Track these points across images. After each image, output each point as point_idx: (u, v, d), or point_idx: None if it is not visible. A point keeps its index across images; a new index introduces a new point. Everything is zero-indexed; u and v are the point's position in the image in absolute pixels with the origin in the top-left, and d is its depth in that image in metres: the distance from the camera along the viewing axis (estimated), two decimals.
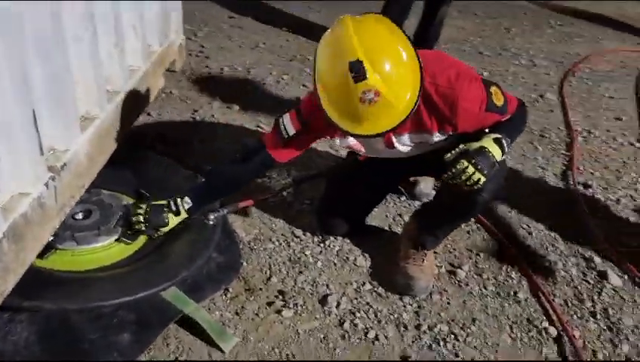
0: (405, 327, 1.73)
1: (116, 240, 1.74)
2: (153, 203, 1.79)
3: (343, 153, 2.63)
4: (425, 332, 1.71)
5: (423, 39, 3.71)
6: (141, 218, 1.75)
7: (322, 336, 1.68)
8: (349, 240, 2.06)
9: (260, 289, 1.83)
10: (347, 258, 1.99)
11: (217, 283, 1.78)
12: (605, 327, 1.77)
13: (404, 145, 1.75)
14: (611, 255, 2.08)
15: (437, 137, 1.70)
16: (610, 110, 3.52)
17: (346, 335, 1.68)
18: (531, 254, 2.09)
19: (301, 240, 2.06)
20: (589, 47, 4.57)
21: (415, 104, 1.48)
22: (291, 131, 1.73)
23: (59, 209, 1.51)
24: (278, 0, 4.85)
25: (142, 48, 2.14)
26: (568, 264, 2.03)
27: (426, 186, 2.31)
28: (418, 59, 1.48)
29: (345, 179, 2.06)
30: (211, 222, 1.85)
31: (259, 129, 2.82)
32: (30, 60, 1.38)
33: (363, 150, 1.83)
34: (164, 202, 1.78)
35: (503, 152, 1.61)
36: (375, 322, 1.74)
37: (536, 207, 2.36)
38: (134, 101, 2.06)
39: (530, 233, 2.20)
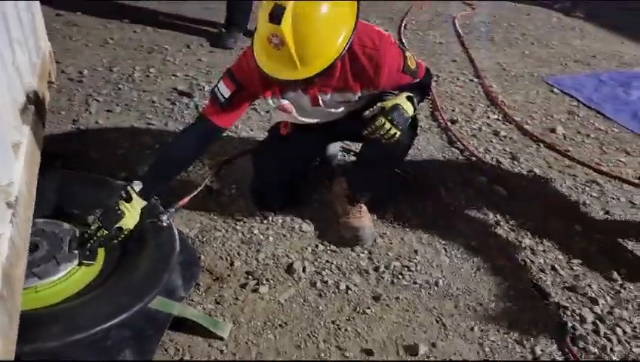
0: (367, 272, 1.95)
1: (78, 264, 1.66)
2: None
3: (249, 134, 2.73)
4: (383, 271, 1.96)
5: None
6: (96, 225, 1.68)
7: (302, 300, 1.83)
8: (287, 213, 2.20)
9: (228, 275, 1.90)
10: (293, 227, 2.14)
11: (188, 281, 1.80)
12: None
13: (329, 104, 1.94)
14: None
15: (358, 96, 1.90)
16: (445, 54, 4.08)
17: (322, 293, 1.85)
18: (436, 186, 2.44)
19: (245, 223, 2.15)
20: (405, 3, 5.13)
21: (318, 73, 1.61)
22: (227, 93, 1.81)
23: (24, 246, 1.42)
24: None
25: (29, 63, 1.97)
26: (467, 189, 2.43)
27: (334, 148, 2.53)
28: (352, 33, 1.62)
29: (272, 156, 2.18)
30: (165, 224, 1.85)
31: (150, 126, 2.76)
32: None
33: (294, 111, 1.97)
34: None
35: (415, 109, 1.85)
36: (340, 275, 1.94)
37: (426, 149, 2.73)
38: (38, 119, 1.91)
39: (428, 170, 2.56)
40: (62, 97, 2.96)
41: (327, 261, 1.99)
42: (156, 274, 1.64)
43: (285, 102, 1.93)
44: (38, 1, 2.47)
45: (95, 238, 1.67)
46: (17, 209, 1.41)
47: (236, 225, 2.13)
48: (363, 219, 2.10)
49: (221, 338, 1.66)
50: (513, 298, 1.87)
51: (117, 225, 1.69)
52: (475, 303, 1.85)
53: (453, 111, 3.16)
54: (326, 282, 1.90)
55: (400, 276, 1.94)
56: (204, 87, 3.16)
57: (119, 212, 1.69)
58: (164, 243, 1.76)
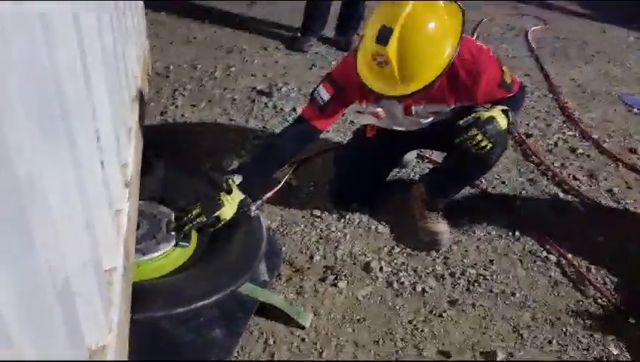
0: (442, 277, 1.98)
1: (174, 245, 1.77)
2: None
3: (326, 135, 2.80)
4: (459, 278, 1.98)
5: (346, 18, 3.94)
6: (197, 211, 1.77)
7: (379, 298, 1.88)
8: (363, 213, 2.26)
9: (308, 268, 1.97)
10: (369, 228, 2.19)
11: (270, 271, 1.88)
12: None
13: (420, 114, 1.98)
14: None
15: (450, 109, 1.94)
16: (518, 68, 4.03)
17: (399, 293, 1.90)
18: (511, 198, 2.44)
19: (322, 219, 2.22)
20: (475, 13, 5.10)
21: (419, 90, 1.69)
22: (326, 97, 1.89)
23: (134, 224, 1.53)
24: None
25: (135, 53, 2.11)
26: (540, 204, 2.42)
27: (411, 155, 2.57)
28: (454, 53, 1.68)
29: (355, 156, 2.24)
30: (253, 214, 1.94)
31: (232, 122, 2.88)
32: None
33: (383, 116, 2.04)
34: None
35: (509, 123, 1.85)
36: (417, 277, 1.97)
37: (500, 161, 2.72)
38: (142, 109, 2.04)
39: (503, 182, 2.56)
40: (151, 90, 3.12)
41: (403, 263, 2.03)
42: (247, 260, 1.73)
43: (379, 109, 2.00)
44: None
45: (193, 223, 1.77)
46: (132, 188, 1.52)
47: (315, 221, 2.20)
48: (441, 224, 2.13)
49: (302, 327, 1.73)
50: (593, 316, 1.85)
51: (216, 214, 1.78)
52: (553, 317, 1.84)
53: (528, 125, 3.14)
54: (402, 283, 1.94)
55: (476, 283, 1.96)
56: (281, 88, 3.26)
57: (220, 202, 1.79)
58: (254, 232, 1.85)
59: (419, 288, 1.92)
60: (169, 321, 1.56)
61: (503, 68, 1.91)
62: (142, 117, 2.00)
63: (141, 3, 2.65)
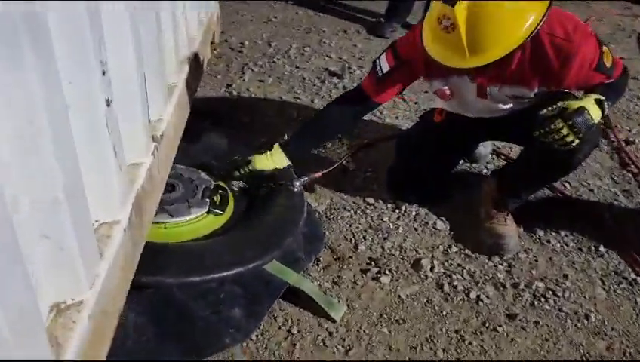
0: (503, 286, 1.72)
1: (206, 212, 1.65)
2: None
3: (394, 121, 2.60)
4: (523, 290, 1.71)
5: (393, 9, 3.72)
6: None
7: (425, 300, 1.65)
8: (421, 206, 2.03)
9: (350, 257, 1.79)
10: (426, 222, 1.97)
11: (308, 254, 1.72)
12: None
13: (496, 98, 1.72)
14: None
15: (533, 93, 1.67)
16: None
17: (449, 298, 1.66)
18: (599, 209, 2.10)
19: (375, 208, 2.02)
20: (582, 10, 4.62)
21: (489, 64, 1.44)
22: (386, 68, 1.73)
23: (160, 181, 1.43)
24: None
25: (196, 16, 2.03)
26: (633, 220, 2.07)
27: (485, 149, 2.30)
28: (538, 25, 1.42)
29: (419, 143, 2.02)
30: (296, 189, 1.80)
31: (297, 100, 2.75)
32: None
33: (450, 97, 1.80)
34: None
35: (603, 115, 1.55)
36: (472, 283, 1.73)
37: (590, 166, 2.38)
38: (195, 71, 1.96)
39: (591, 190, 2.22)
40: (221, 63, 3.07)
41: (460, 265, 1.79)
42: (278, 236, 1.58)
43: (446, 88, 1.75)
44: None
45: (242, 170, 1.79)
46: (161, 145, 1.42)
47: (366, 208, 2.01)
48: (508, 227, 1.86)
49: (333, 320, 1.55)
50: None
51: (249, 158, 1.79)
52: (634, 350, 1.53)
53: (630, 131, 2.73)
54: (455, 286, 1.70)
55: (543, 299, 1.68)
56: (354, 71, 3.09)
57: (249, 157, 1.80)
58: (293, 208, 1.70)
59: (473, 295, 1.67)
60: (186, 292, 1.45)
61: (604, 48, 1.60)
62: (193, 80, 1.90)
63: None
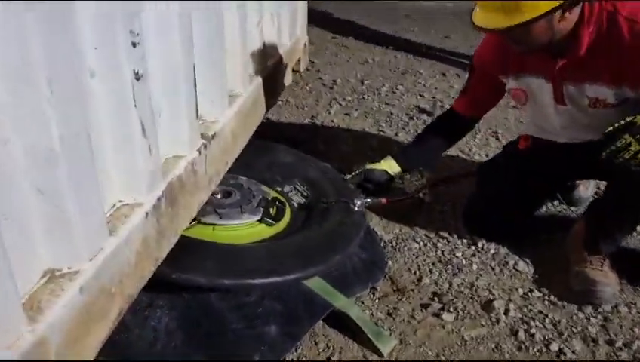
0: (594, 341, 1.43)
1: (259, 220, 1.58)
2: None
3: (483, 159, 2.40)
4: (620, 349, 1.40)
5: None
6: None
7: (494, 345, 1.41)
8: (502, 244, 1.80)
9: (412, 290, 1.60)
10: (506, 262, 1.73)
11: (364, 281, 1.57)
12: None
13: (576, 102, 1.52)
14: None
15: (615, 97, 1.44)
16: None
17: (523, 346, 1.41)
18: None
19: (449, 241, 1.82)
20: None
21: (527, 22, 1.32)
22: (466, 77, 1.83)
23: (208, 180, 1.38)
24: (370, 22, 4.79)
25: (276, 36, 2.04)
26: None
27: (586, 191, 2.02)
28: None
29: (501, 174, 1.81)
30: (356, 208, 1.68)
31: (381, 133, 2.65)
32: (194, 17, 1.28)
33: (526, 100, 1.68)
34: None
35: None
36: (555, 333, 1.45)
37: None
38: (270, 86, 1.95)
39: None
40: (310, 97, 3.08)
41: (541, 312, 1.53)
42: (325, 251, 1.45)
43: (522, 88, 1.62)
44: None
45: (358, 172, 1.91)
46: (211, 144, 1.38)
47: (438, 241, 1.82)
48: (604, 273, 1.57)
49: (380, 354, 1.36)
50: None
51: (383, 168, 1.89)
52: None
53: None
54: (532, 335, 1.44)
55: None
56: (445, 108, 2.94)
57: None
58: (348, 226, 1.58)
59: (554, 347, 1.40)
60: (224, 301, 1.37)
61: None
62: (264, 95, 1.89)
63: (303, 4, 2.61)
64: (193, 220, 1.42)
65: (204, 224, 1.50)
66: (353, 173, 1.91)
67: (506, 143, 2.02)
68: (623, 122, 1.32)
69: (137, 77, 0.99)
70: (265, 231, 1.57)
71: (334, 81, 3.37)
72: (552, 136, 1.70)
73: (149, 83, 1.07)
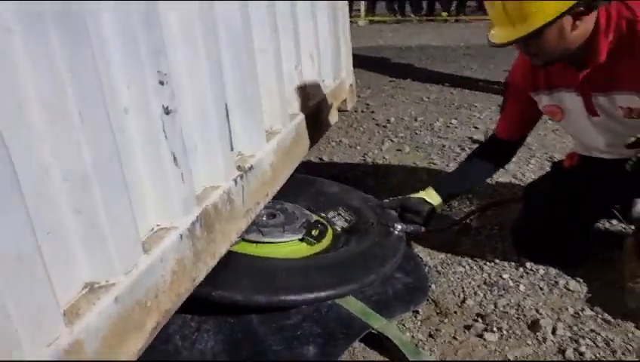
0: None
1: (300, 239, 1.66)
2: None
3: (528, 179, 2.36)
4: None
5: None
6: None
7: None
8: (552, 266, 1.74)
9: (455, 312, 1.58)
10: (556, 282, 1.67)
11: (405, 304, 1.58)
12: None
13: (609, 113, 1.48)
14: None
15: None
16: None
17: None
18: None
19: (496, 264, 1.79)
20: None
21: (533, 33, 1.31)
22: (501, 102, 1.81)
23: (245, 210, 1.48)
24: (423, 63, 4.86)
25: (317, 77, 2.17)
26: None
27: None
28: None
29: (549, 193, 1.77)
30: (397, 232, 1.71)
31: (431, 165, 2.66)
32: (224, 61, 1.42)
33: (562, 116, 1.65)
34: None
35: None
36: (608, 352, 1.38)
37: None
38: (313, 124, 2.05)
39: None
40: (363, 137, 3.17)
41: (593, 330, 1.46)
42: (358, 271, 1.49)
43: (554, 104, 1.60)
44: (349, 39, 2.75)
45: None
46: (248, 176, 1.49)
47: (484, 265, 1.79)
48: None
49: None
50: None
51: (428, 201, 1.82)
52: None
53: None
54: (582, 354, 1.38)
55: None
56: None
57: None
58: (385, 248, 1.61)
59: None
60: (265, 325, 1.43)
61: None
62: (306, 132, 2.00)
63: (347, 40, 2.74)
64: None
65: (248, 241, 1.60)
66: (390, 199, 1.92)
67: (553, 162, 1.98)
68: None
69: (167, 111, 1.12)
70: (306, 250, 1.65)
71: (388, 120, 3.45)
72: (597, 153, 1.66)
73: (180, 117, 1.20)
